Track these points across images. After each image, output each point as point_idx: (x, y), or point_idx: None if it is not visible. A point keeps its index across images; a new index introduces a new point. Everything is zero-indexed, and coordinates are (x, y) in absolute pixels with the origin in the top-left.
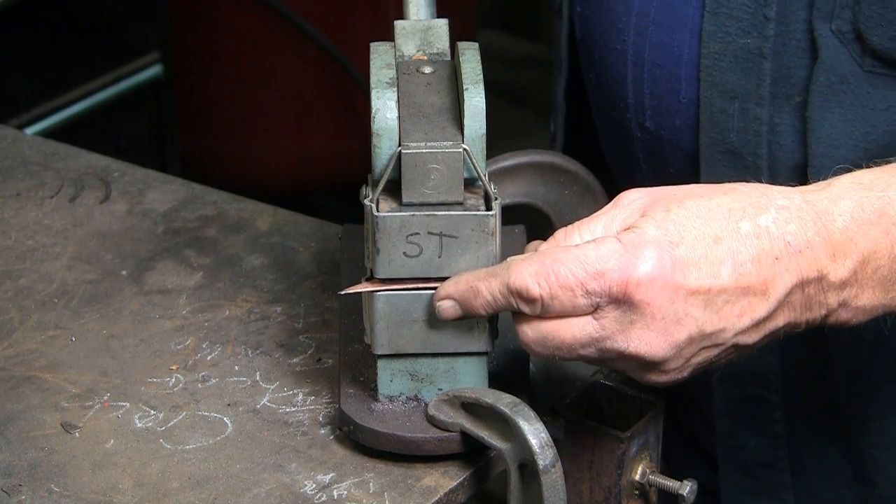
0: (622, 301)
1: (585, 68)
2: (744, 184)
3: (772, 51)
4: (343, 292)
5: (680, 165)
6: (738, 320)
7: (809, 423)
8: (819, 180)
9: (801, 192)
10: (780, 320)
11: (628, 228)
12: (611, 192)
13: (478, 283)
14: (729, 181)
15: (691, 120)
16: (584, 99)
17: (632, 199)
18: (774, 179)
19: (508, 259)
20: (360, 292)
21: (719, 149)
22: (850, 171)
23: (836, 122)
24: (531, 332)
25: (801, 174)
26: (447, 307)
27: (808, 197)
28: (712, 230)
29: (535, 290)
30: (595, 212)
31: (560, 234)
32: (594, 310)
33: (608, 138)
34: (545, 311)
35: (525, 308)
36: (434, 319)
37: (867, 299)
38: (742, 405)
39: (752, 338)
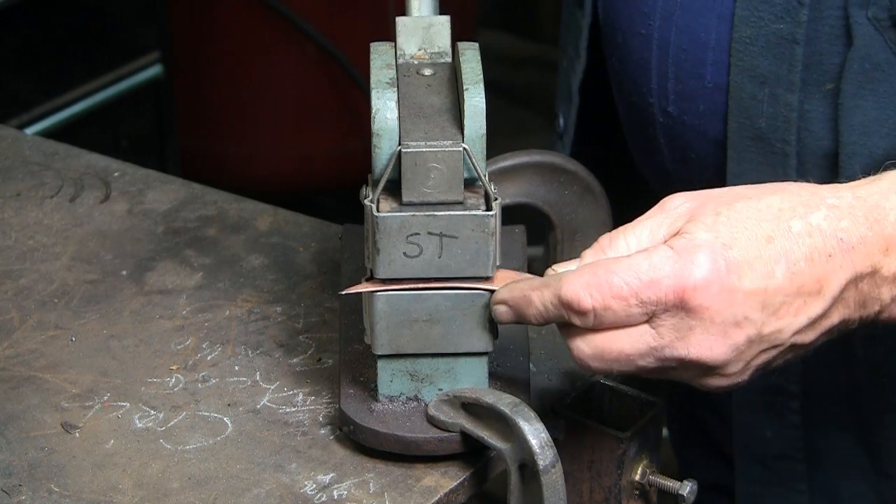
0: (679, 308)
1: (607, 53)
2: (792, 183)
3: (804, 36)
4: (343, 292)
5: (702, 151)
6: (794, 319)
7: (827, 414)
8: (851, 168)
9: (850, 188)
10: (835, 317)
11: (677, 233)
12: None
13: (531, 292)
14: (756, 168)
15: (716, 105)
16: (596, 94)
17: (677, 204)
18: (802, 166)
19: (559, 267)
20: (361, 292)
21: (748, 134)
22: None
23: (870, 111)
24: (587, 347)
25: (829, 162)
26: (502, 311)
27: (858, 192)
28: (764, 231)
29: (588, 301)
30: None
31: (605, 239)
32: (648, 318)
33: (629, 124)
34: (598, 323)
35: (576, 320)
36: (434, 319)
37: None
38: (760, 394)
39: (808, 337)
